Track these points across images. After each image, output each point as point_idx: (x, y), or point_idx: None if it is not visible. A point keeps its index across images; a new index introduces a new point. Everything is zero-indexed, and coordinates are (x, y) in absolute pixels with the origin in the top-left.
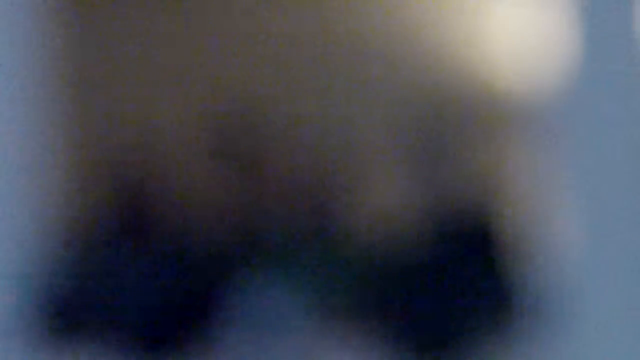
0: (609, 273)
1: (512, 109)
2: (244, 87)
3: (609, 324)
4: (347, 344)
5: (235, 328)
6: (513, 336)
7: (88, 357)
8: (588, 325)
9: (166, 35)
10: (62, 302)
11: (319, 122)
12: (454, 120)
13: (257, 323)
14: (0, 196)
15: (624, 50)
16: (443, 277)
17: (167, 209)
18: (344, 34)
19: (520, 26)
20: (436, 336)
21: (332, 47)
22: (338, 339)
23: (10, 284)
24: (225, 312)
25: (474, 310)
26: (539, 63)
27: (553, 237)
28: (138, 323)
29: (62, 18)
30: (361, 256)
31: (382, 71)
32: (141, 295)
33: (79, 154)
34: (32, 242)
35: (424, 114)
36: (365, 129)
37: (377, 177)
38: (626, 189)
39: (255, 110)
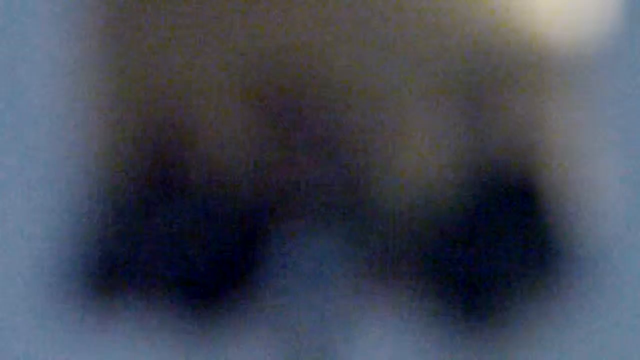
0: None
1: (554, 64)
2: (285, 46)
3: None
4: (384, 296)
5: (276, 278)
6: (554, 288)
7: (135, 312)
8: (627, 277)
9: None
10: (107, 261)
11: (361, 78)
12: (496, 75)
13: (297, 274)
14: (44, 162)
15: None
16: (485, 231)
17: (210, 165)
18: None
19: None
20: (476, 289)
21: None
22: (376, 291)
23: (59, 248)
24: (265, 264)
25: (514, 262)
26: (582, 20)
27: (593, 189)
28: (180, 277)
29: None
30: (401, 210)
31: (426, 27)
32: (183, 250)
33: (122, 112)
34: (76, 208)
35: (468, 70)
36: (408, 85)
37: (419, 131)
38: None
39: (296, 67)
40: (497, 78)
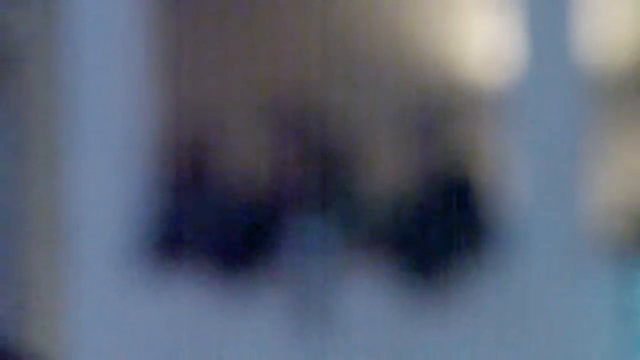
0: (550, 212)
1: (482, 99)
2: (293, 80)
3: (547, 245)
4: (367, 266)
5: (289, 254)
6: (483, 256)
7: (185, 278)
8: (533, 247)
9: (238, 34)
10: (162, 239)
11: (350, 107)
12: (440, 108)
13: (304, 248)
14: (121, 159)
15: (562, 51)
16: (435, 219)
17: (239, 166)
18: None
19: (487, 36)
20: (428, 258)
21: (345, 53)
22: (362, 263)
23: (122, 228)
24: (281, 242)
25: (457, 240)
26: (500, 65)
27: (510, 189)
28: (218, 251)
29: (162, 25)
30: (378, 204)
31: (390, 73)
32: (219, 232)
33: (176, 123)
34: (142, 195)
35: (418, 105)
36: (379, 116)
37: (387, 151)
38: (563, 155)
39: (301, 96)
40: (444, 111)
